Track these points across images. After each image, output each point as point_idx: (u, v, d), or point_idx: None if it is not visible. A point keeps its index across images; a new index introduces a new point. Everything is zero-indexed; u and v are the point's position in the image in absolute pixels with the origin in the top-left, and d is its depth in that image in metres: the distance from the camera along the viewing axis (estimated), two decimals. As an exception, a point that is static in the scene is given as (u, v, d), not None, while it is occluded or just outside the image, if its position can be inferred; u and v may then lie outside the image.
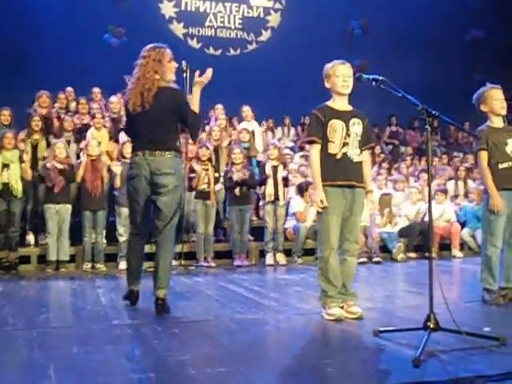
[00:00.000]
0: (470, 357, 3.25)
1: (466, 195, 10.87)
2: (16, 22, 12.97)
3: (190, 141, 8.12)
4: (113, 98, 10.14)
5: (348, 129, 4.45)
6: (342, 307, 4.43)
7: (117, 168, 8.29)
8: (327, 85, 4.58)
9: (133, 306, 4.97)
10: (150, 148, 4.68)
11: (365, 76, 4.05)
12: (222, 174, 9.02)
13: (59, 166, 8.00)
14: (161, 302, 4.64)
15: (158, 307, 4.65)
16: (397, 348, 3.49)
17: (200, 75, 4.87)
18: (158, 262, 4.69)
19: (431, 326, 3.45)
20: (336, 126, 4.43)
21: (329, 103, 4.57)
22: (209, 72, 4.83)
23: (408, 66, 14.20)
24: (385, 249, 9.31)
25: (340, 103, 4.54)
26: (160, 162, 4.66)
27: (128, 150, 7.86)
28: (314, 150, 4.49)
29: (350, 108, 4.58)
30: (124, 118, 5.49)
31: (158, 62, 4.72)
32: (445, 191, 10.14)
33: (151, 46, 4.84)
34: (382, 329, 3.82)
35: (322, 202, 4.37)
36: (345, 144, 4.44)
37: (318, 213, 4.49)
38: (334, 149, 4.43)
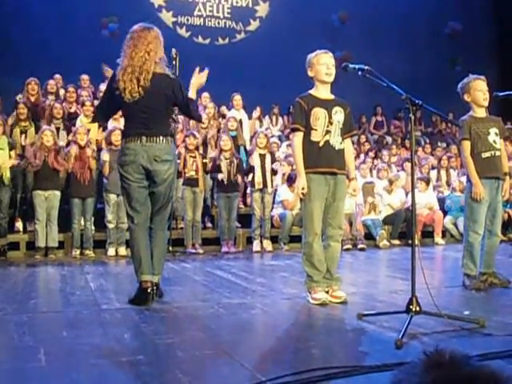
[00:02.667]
0: (450, 339, 3.33)
1: (448, 184, 11.00)
2: (2, 8, 12.90)
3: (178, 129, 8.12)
4: (102, 87, 10.11)
5: (330, 117, 4.52)
6: (327, 292, 4.51)
7: (105, 155, 8.32)
8: (310, 74, 4.64)
9: (146, 305, 4.44)
10: (146, 134, 4.48)
11: (351, 66, 4.09)
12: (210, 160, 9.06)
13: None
14: (155, 287, 4.61)
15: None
16: (380, 331, 3.57)
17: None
18: (153, 249, 4.64)
19: (413, 309, 3.52)
20: (319, 114, 4.50)
21: (312, 92, 4.64)
22: (205, 73, 4.74)
23: (390, 58, 14.27)
24: (369, 236, 9.44)
25: (323, 92, 4.61)
26: (159, 149, 4.50)
27: (117, 137, 7.88)
28: (297, 138, 4.56)
29: (332, 96, 4.65)
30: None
31: (153, 44, 4.50)
32: (427, 180, 10.24)
33: (142, 25, 4.59)
34: (365, 312, 3.91)
35: (303, 188, 4.44)
36: (327, 132, 4.51)
37: (302, 200, 4.57)
38: (316, 136, 4.50)
